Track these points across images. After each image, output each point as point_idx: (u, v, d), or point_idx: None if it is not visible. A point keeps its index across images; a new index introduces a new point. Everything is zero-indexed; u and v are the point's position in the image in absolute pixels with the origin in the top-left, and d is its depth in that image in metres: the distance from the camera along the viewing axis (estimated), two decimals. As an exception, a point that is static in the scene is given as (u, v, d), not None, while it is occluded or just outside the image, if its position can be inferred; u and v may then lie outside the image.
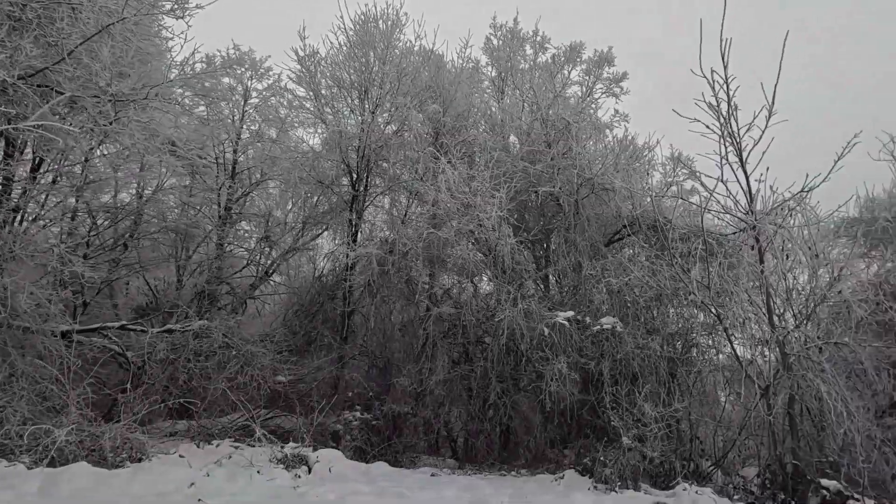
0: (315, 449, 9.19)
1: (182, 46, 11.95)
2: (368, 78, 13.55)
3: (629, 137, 13.54)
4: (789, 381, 7.78)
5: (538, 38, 18.03)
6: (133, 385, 9.51)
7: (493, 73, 17.83)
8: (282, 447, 8.31)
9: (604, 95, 18.92)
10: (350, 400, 11.31)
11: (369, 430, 10.60)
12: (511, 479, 8.64)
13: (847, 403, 7.34)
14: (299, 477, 7.40)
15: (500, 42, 17.99)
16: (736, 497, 7.47)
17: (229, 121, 14.50)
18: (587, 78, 19.07)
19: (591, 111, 15.98)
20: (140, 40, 9.03)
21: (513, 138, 14.03)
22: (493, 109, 15.12)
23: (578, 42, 18.39)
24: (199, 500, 6.01)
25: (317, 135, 14.36)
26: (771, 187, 9.09)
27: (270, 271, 15.25)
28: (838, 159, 8.54)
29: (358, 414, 10.86)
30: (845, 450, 7.42)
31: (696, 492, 7.29)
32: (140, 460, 7.68)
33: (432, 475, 8.80)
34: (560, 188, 11.23)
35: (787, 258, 8.64)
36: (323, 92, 13.84)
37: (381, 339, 12.35)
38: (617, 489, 7.58)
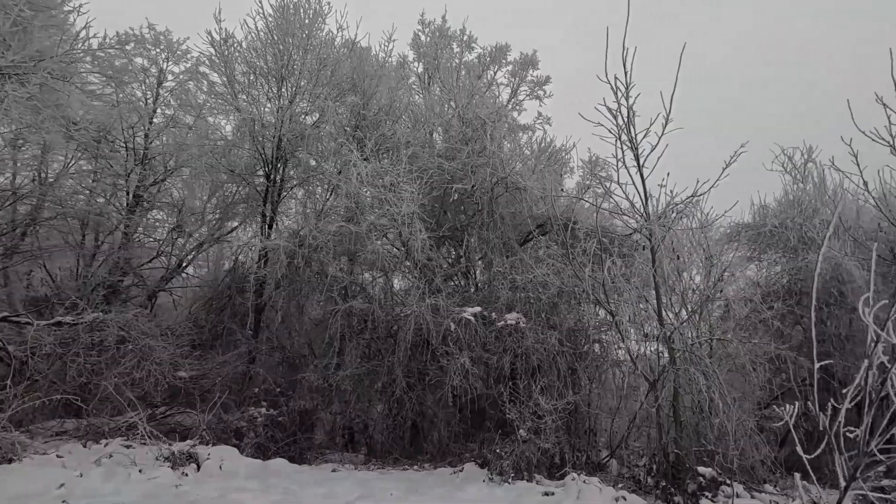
0: (213, 445, 8.91)
1: (87, 22, 11.20)
2: (286, 66, 13.21)
3: (547, 140, 13.91)
4: (674, 375, 8.23)
5: (465, 38, 18.21)
6: (14, 382, 8.87)
7: (420, 69, 17.88)
8: (170, 445, 7.96)
9: (528, 98, 19.41)
10: (257, 396, 11.01)
11: (275, 427, 10.37)
12: (412, 474, 8.68)
13: (724, 396, 7.85)
14: (186, 475, 7.13)
15: (428, 39, 18.05)
16: (620, 486, 7.82)
17: (141, 104, 13.77)
18: (513, 80, 19.49)
19: (508, 111, 16.23)
20: (28, 8, 8.42)
21: (436, 135, 14.09)
22: (417, 105, 15.12)
23: (504, 44, 18.71)
24: (64, 501, 5.66)
25: (230, 122, 13.88)
26: (671, 191, 9.61)
27: (184, 263, 14.62)
28: (726, 167, 9.07)
29: (264, 410, 10.60)
30: (720, 439, 7.93)
31: (584, 481, 7.58)
32: (10, 461, 7.17)
33: (333, 471, 8.71)
34: (475, 186, 11.37)
35: (678, 258, 9.13)
36: (238, 78, 13.37)
37: (293, 334, 12.10)
38: (510, 480, 7.76)
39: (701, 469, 7.74)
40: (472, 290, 11.64)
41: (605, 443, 10.53)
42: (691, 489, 7.70)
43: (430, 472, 8.73)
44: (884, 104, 9.90)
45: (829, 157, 11.98)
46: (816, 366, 3.21)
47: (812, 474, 3.65)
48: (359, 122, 13.81)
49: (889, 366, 2.81)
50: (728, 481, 7.64)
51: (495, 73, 18.82)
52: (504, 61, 18.91)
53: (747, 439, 8.03)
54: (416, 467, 9.27)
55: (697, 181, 9.19)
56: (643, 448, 9.37)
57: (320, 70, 13.38)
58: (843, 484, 2.95)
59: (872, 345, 2.87)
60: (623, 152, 8.74)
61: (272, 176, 13.02)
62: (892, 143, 9.35)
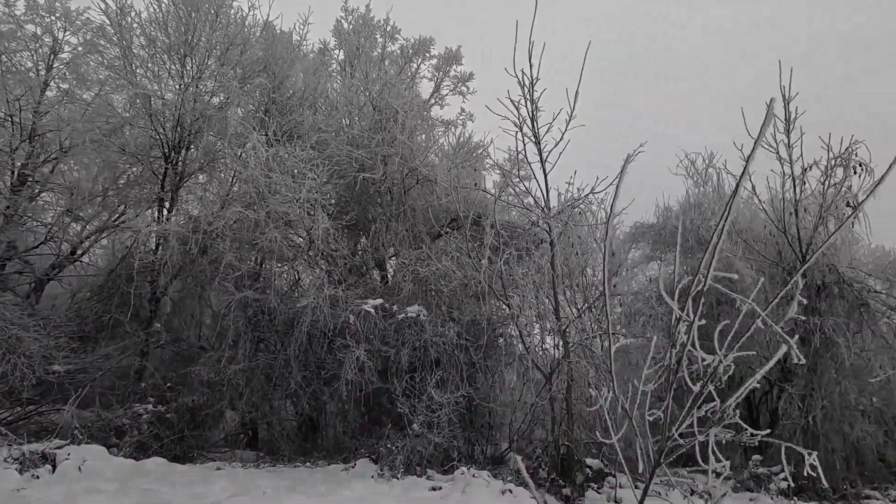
0: (83, 445, 8.20)
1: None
2: (190, 42, 12.44)
3: (466, 135, 13.84)
4: (567, 368, 8.30)
5: (388, 28, 17.88)
6: None
7: (342, 57, 17.42)
8: (20, 445, 7.23)
9: (451, 93, 19.33)
10: (143, 391, 10.28)
11: (162, 425, 9.70)
12: (302, 471, 8.32)
13: (614, 389, 7.98)
14: (37, 478, 6.47)
15: (351, 27, 17.60)
16: (510, 479, 7.80)
17: (32, 74, 12.58)
18: (437, 74, 19.35)
19: (429, 105, 16.08)
20: None
21: (351, 124, 13.71)
22: (331, 92, 14.67)
23: (429, 37, 18.52)
24: None
25: (125, 98, 12.92)
26: (579, 189, 9.74)
27: (78, 251, 13.48)
28: (624, 166, 9.27)
29: (150, 406, 9.90)
30: (608, 431, 8.06)
31: (473, 474, 7.50)
32: None
33: (217, 469, 8.21)
34: (385, 176, 11.11)
35: (577, 254, 9.26)
36: (136, 52, 12.47)
37: (189, 326, 11.40)
38: (399, 476, 7.57)
39: (589, 461, 7.85)
40: (380, 282, 11.38)
41: (506, 436, 10.56)
42: (579, 481, 7.79)
43: (321, 469, 8.40)
44: (772, 111, 10.46)
45: (723, 162, 12.57)
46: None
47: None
48: (268, 106, 13.24)
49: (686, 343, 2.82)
50: (614, 473, 7.79)
51: (419, 66, 18.62)
52: (428, 55, 18.69)
53: (632, 431, 8.21)
54: (308, 464, 8.91)
55: (597, 178, 9.38)
56: (543, 441, 9.44)
57: (228, 49, 12.69)
58: (643, 469, 2.95)
59: (675, 323, 2.88)
60: (525, 145, 8.75)
61: (172, 158, 12.21)
62: (776, 148, 9.88)
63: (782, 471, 9.51)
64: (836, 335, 9.24)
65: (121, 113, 12.65)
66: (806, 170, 10.03)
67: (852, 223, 9.61)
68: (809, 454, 2.68)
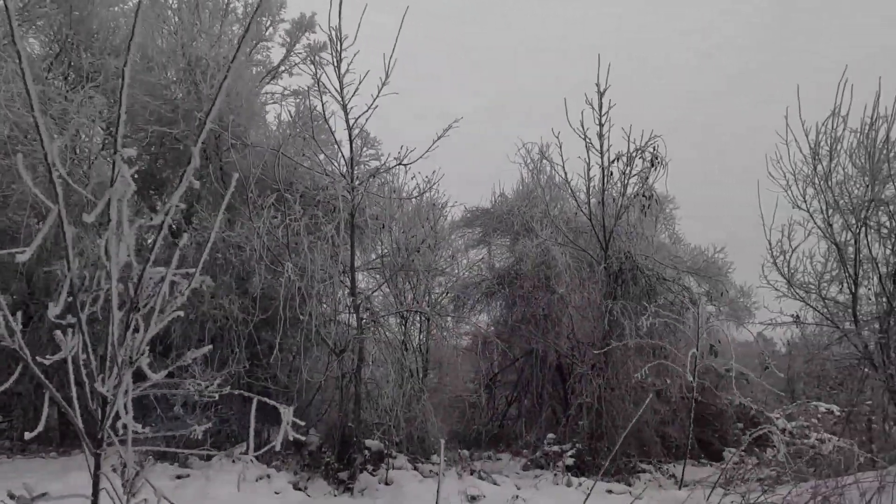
0: None
1: None
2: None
3: (307, 104, 12.94)
4: (358, 346, 7.85)
5: (228, -21, 16.40)
6: None
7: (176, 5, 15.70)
8: None
9: (303, 62, 18.25)
10: None
11: None
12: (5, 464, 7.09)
13: (398, 368, 7.66)
14: None
15: (187, -27, 15.91)
16: (275, 463, 7.19)
17: None
18: (288, 40, 18.17)
19: (245, 63, 14.93)
20: None
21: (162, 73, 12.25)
22: (155, 40, 13.06)
23: (280, -1, 17.30)
24: None
25: None
26: (397, 159, 9.28)
27: None
28: (437, 140, 8.98)
29: None
30: (391, 411, 7.74)
31: (234, 460, 6.79)
32: None
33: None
34: (186, 133, 9.96)
35: (384, 227, 8.84)
36: None
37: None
38: (146, 464, 6.65)
39: (368, 442, 7.45)
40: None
41: (313, 421, 9.94)
42: (357, 463, 7.38)
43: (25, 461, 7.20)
44: (588, 101, 10.76)
45: (543, 146, 12.80)
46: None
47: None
48: (64, 44, 11.43)
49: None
50: (394, 454, 7.47)
51: (266, 29, 17.35)
52: (278, 17, 17.50)
53: (420, 413, 7.99)
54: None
55: (405, 148, 9.02)
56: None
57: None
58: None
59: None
60: (322, 105, 8.15)
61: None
62: (584, 134, 10.14)
63: (572, 447, 9.84)
64: (622, 317, 9.71)
65: None
66: (613, 161, 10.43)
67: (645, 212, 10.15)
68: (286, 409, 2.30)
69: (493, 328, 14.00)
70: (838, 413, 11.35)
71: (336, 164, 8.65)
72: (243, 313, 8.04)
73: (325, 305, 8.15)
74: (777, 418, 13.75)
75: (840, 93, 8.35)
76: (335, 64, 8.45)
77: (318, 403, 8.67)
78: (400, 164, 8.75)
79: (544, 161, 14.56)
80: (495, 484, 7.38)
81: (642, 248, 10.59)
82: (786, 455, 10.60)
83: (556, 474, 8.62)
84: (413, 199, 9.48)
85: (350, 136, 8.49)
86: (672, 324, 10.19)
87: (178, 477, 6.35)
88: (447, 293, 12.10)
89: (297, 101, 16.69)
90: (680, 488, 9.22)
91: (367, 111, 8.68)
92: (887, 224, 7.92)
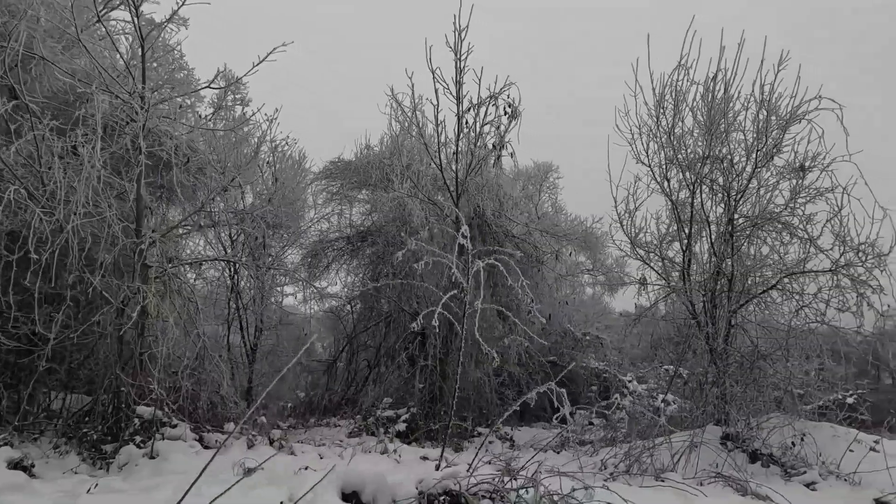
0: None
1: None
2: None
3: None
4: (141, 297, 6.59)
5: None
6: None
7: None
8: None
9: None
10: None
11: None
12: None
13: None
14: None
15: None
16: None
17: None
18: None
19: None
20: None
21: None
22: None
23: None
24: None
25: None
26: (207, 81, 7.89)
27: None
28: (259, 63, 7.72)
29: None
30: (180, 374, 6.61)
31: None
32: None
33: None
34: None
35: (187, 162, 7.53)
36: None
37: None
38: None
39: (141, 409, 6.29)
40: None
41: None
42: (128, 433, 6.21)
43: None
44: (448, 43, 9.87)
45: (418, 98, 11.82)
46: None
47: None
48: None
49: None
50: (174, 422, 6.37)
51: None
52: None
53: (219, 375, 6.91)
54: None
55: (218, 70, 7.71)
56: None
57: None
58: None
59: None
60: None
61: None
62: (442, 79, 9.28)
63: (407, 412, 9.21)
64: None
65: None
66: (468, 110, 9.68)
67: (494, 164, 9.54)
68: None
69: (355, 290, 13.09)
70: (686, 375, 11.61)
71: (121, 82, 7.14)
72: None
73: (105, 253, 6.73)
74: (629, 381, 14.05)
75: (688, 43, 8.02)
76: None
77: (96, 365, 7.31)
78: (209, 86, 7.45)
79: (417, 113, 13.71)
80: (292, 454, 6.51)
81: (496, 205, 10.01)
82: (631, 416, 10.66)
83: (381, 441, 7.90)
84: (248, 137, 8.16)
85: (141, 39, 7.01)
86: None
87: None
88: (286, 248, 10.99)
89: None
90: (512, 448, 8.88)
91: (168, 20, 7.29)
92: (720, 182, 7.75)
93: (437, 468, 4.28)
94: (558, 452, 8.33)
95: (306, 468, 5.69)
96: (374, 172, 11.95)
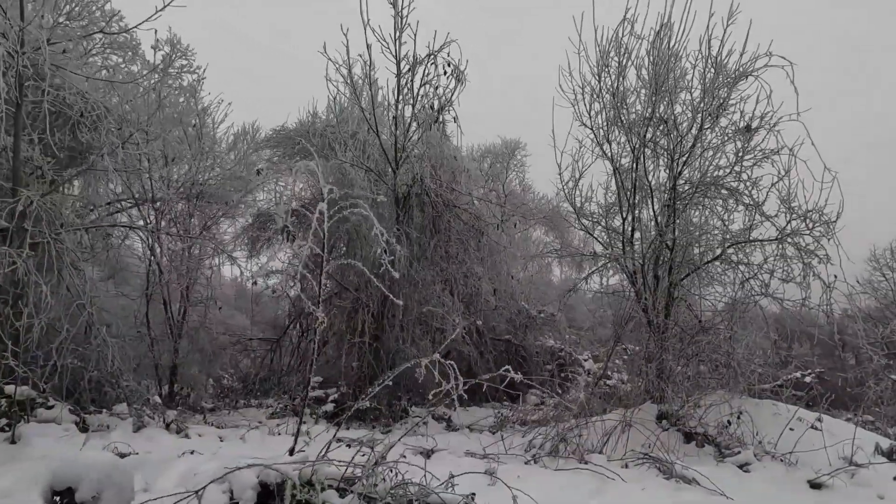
0: None
1: None
2: None
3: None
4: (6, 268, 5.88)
5: None
6: None
7: None
8: None
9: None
10: None
11: None
12: None
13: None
14: None
15: None
16: None
17: None
18: None
19: None
20: None
21: None
22: None
23: None
24: None
25: None
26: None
27: None
28: (156, 12, 6.97)
29: None
30: (57, 350, 5.95)
31: None
32: None
33: None
34: None
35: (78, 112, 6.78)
36: None
37: None
38: None
39: (9, 389, 5.62)
40: None
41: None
42: (-3, 417, 5.54)
43: None
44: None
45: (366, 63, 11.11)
46: None
47: None
48: None
49: None
50: (50, 403, 5.73)
51: None
52: None
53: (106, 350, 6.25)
54: None
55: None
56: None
57: None
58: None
59: None
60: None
61: None
62: (381, 36, 8.60)
63: (337, 391, 8.68)
64: (401, 245, 8.53)
65: None
66: (408, 71, 9.01)
67: (432, 127, 8.90)
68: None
69: (304, 265, 12.42)
70: (629, 351, 11.21)
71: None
72: None
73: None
74: (585, 360, 13.66)
75: (633, -7, 7.43)
76: None
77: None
78: (101, 31, 6.67)
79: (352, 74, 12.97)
80: (186, 437, 5.92)
81: (448, 176, 9.39)
82: (586, 395, 10.23)
83: (304, 422, 7.34)
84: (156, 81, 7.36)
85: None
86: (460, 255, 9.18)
87: None
88: (217, 220, 10.29)
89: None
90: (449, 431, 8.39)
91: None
92: (664, 144, 7.21)
93: (291, 452, 3.71)
94: (493, 433, 7.87)
95: (192, 452, 5.13)
96: (316, 141, 11.25)
